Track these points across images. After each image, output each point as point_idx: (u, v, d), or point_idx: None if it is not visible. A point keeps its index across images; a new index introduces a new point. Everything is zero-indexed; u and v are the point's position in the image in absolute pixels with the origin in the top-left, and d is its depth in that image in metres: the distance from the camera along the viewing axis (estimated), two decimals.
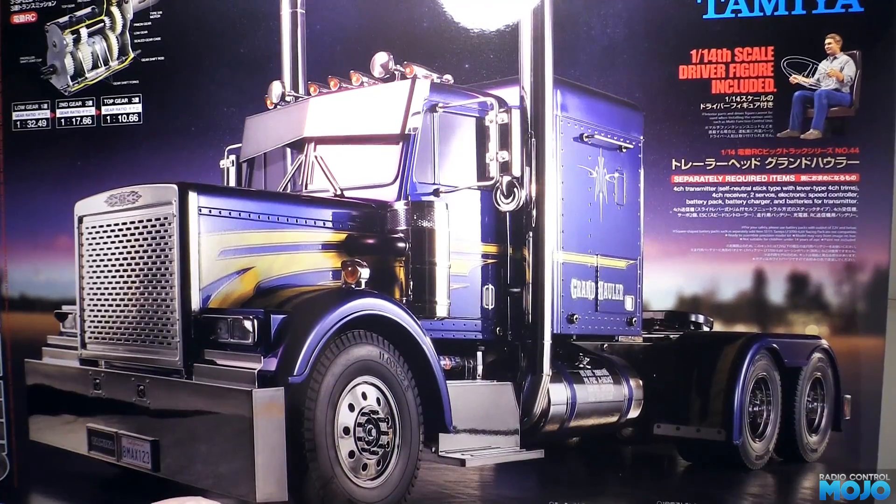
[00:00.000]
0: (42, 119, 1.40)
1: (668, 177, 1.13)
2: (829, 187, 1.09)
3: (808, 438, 1.12)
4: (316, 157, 1.26)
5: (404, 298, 1.22)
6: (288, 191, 1.28)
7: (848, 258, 1.07)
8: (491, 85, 1.19)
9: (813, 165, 1.09)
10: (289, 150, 1.29)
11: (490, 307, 1.20)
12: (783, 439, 1.13)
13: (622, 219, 1.14)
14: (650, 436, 1.13)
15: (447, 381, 1.24)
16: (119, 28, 1.36)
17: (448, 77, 1.18)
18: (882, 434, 1.06)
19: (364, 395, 1.22)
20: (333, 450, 1.20)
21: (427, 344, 1.21)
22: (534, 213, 1.18)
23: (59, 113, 1.39)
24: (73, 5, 1.36)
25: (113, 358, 1.36)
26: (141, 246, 1.26)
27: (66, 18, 1.37)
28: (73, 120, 1.38)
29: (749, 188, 1.11)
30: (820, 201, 1.09)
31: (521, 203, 1.18)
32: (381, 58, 1.21)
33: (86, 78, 1.36)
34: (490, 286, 1.20)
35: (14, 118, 1.41)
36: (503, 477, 1.19)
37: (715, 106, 1.11)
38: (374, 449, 1.21)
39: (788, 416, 1.12)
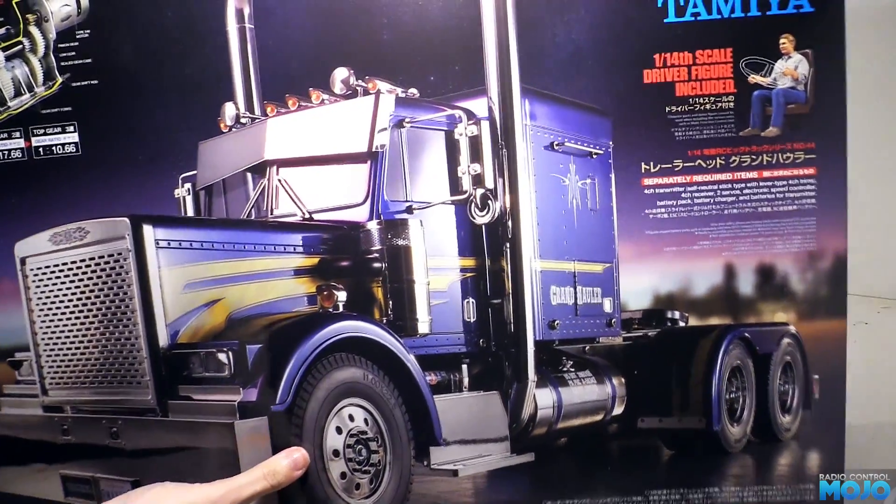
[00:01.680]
0: None
1: (639, 180, 1.10)
2: (790, 181, 1.08)
3: (782, 419, 1.14)
4: (279, 180, 1.14)
5: (384, 318, 1.14)
6: (252, 217, 1.16)
7: (809, 247, 1.07)
8: (458, 97, 1.11)
9: (773, 161, 1.07)
10: (249, 175, 1.16)
11: (472, 320, 1.15)
12: (759, 422, 1.14)
13: (596, 223, 1.10)
14: (635, 430, 1.11)
15: (435, 396, 1.18)
16: (41, 50, 1.17)
17: (413, 91, 1.09)
18: (882, 435, 1.08)
19: (351, 417, 1.15)
20: (324, 473, 1.14)
21: (411, 361, 1.14)
22: (509, 223, 1.12)
23: None
24: None
25: (79, 402, 1.23)
26: (95, 284, 1.13)
27: None
28: (2, 154, 1.19)
29: (715, 186, 1.09)
30: (781, 195, 1.08)
31: (496, 215, 1.12)
32: (341, 73, 1.10)
33: (8, 107, 1.17)
34: (470, 299, 1.14)
35: None
36: (496, 482, 1.15)
37: (680, 108, 1.07)
38: (366, 468, 1.15)
39: (762, 399, 1.13)
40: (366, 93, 1.10)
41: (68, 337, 1.21)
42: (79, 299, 1.19)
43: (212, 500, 0.89)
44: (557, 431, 1.17)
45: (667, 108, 1.09)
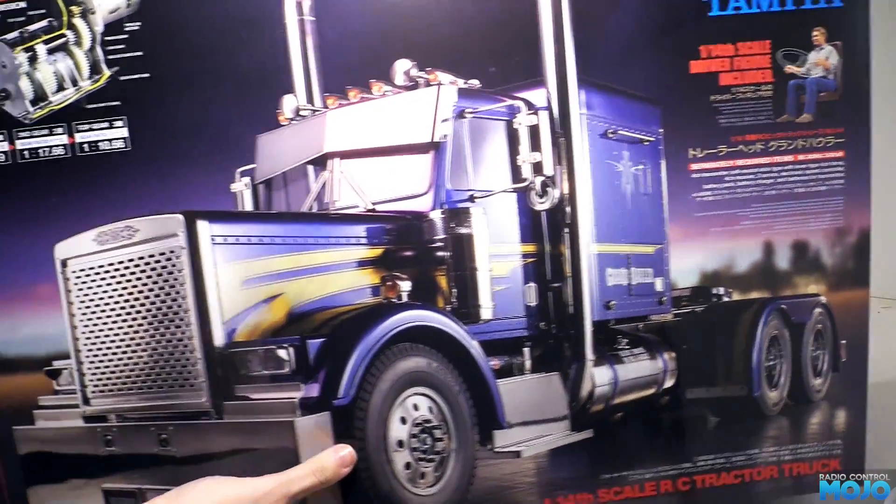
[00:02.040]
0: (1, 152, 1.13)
1: (686, 165, 1.15)
2: (821, 164, 1.16)
3: (814, 381, 1.22)
4: (341, 172, 1.13)
5: (448, 306, 1.15)
6: (314, 210, 1.15)
7: (837, 224, 1.16)
8: (518, 88, 1.13)
9: (807, 146, 1.15)
10: (310, 168, 1.15)
11: (533, 304, 1.17)
12: (793, 385, 1.22)
13: (648, 207, 1.15)
14: (684, 401, 1.17)
15: (498, 380, 1.19)
16: (87, 43, 1.12)
17: (474, 81, 1.10)
18: (883, 437, 1.17)
19: (416, 406, 1.15)
20: (388, 465, 1.13)
21: (475, 348, 1.16)
22: (568, 209, 1.16)
23: (19, 144, 1.13)
24: (22, 18, 1.10)
25: (124, 410, 1.17)
26: (145, 285, 1.09)
27: (15, 34, 1.10)
28: (41, 151, 1.13)
29: (755, 170, 1.16)
30: (814, 177, 1.17)
31: (555, 201, 1.15)
32: (402, 65, 1.11)
33: (50, 102, 1.12)
34: (532, 284, 1.17)
35: None
36: (556, 460, 1.19)
37: (723, 97, 1.13)
38: (431, 457, 1.16)
39: (797, 365, 1.21)
40: (427, 84, 1.11)
41: (114, 341, 1.16)
42: (126, 301, 1.14)
43: (261, 493, 0.89)
44: (613, 407, 1.22)
45: (711, 97, 1.15)
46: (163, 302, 1.14)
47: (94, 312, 1.18)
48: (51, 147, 1.14)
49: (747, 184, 1.19)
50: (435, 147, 1.09)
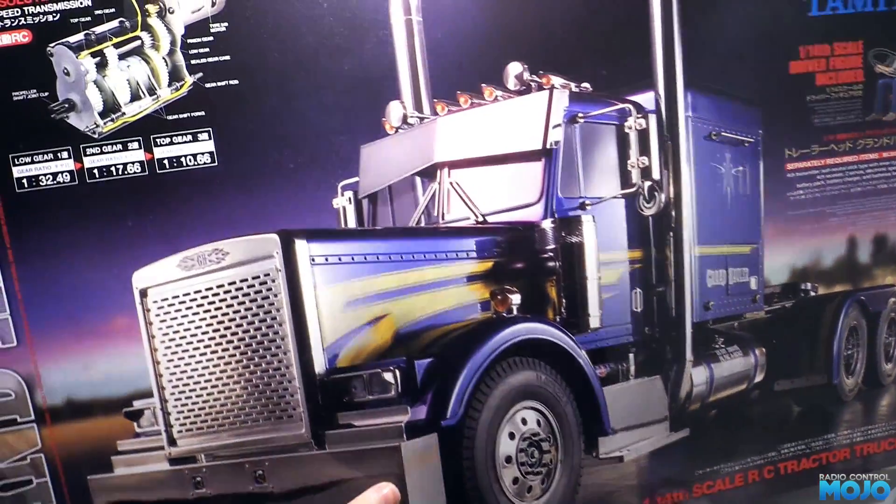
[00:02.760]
0: (63, 172, 0.98)
1: (783, 165, 1.14)
2: None
3: (885, 367, 1.26)
4: (451, 183, 1.05)
5: (558, 317, 1.10)
6: (422, 223, 1.06)
7: None
8: (627, 91, 1.08)
9: (892, 143, 1.16)
10: (418, 179, 1.06)
11: (639, 309, 1.15)
12: (867, 371, 1.25)
13: (746, 208, 1.14)
14: (772, 393, 1.18)
15: (603, 387, 1.16)
16: (165, 46, 0.98)
17: (586, 85, 1.04)
18: None
19: (524, 421, 1.11)
20: (497, 482, 1.09)
21: (583, 358, 1.12)
22: (673, 213, 1.13)
23: (88, 162, 0.98)
24: (88, 19, 0.94)
25: (215, 448, 1.07)
26: (237, 312, 0.99)
27: (79, 37, 0.95)
28: (113, 169, 0.99)
29: (843, 168, 1.16)
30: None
31: (661, 205, 1.12)
32: (514, 68, 1.04)
33: (123, 114, 0.97)
34: (638, 290, 1.14)
35: (17, 175, 0.97)
36: (655, 460, 1.17)
37: (818, 97, 1.13)
38: (538, 469, 1.11)
39: (871, 351, 1.25)
40: (539, 88, 1.04)
41: (202, 374, 1.05)
42: (216, 330, 1.03)
43: None
44: (709, 404, 1.21)
45: (808, 97, 1.14)
46: (257, 329, 1.04)
47: (178, 345, 1.05)
48: (125, 164, 0.99)
49: (836, 181, 1.19)
50: (546, 154, 1.03)
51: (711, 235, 1.15)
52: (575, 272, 1.12)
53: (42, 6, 0.94)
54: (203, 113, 1.00)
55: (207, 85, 0.99)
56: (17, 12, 0.93)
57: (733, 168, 1.15)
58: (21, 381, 1.01)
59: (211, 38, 0.98)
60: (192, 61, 0.98)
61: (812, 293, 1.23)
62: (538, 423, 1.13)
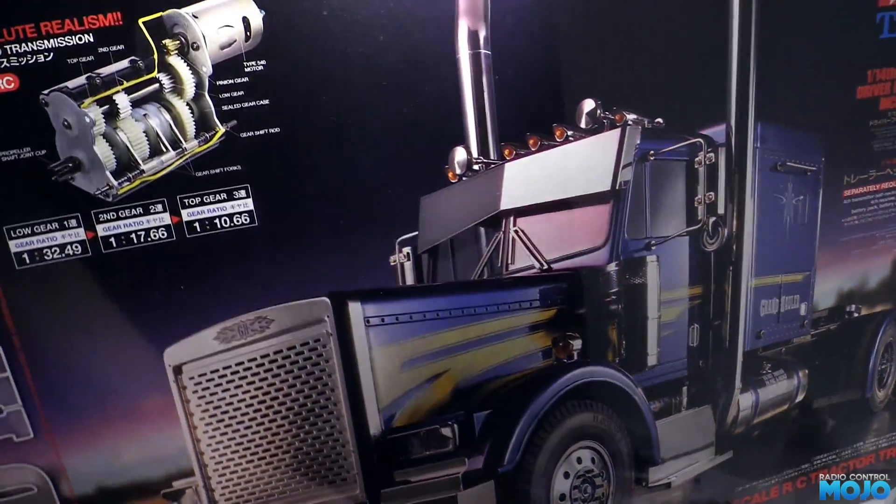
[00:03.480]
0: (72, 243, 0.81)
1: (841, 192, 1.09)
2: None
3: None
4: (516, 231, 0.95)
5: (617, 358, 1.05)
6: (485, 276, 0.96)
7: None
8: (699, 125, 0.99)
9: None
10: (482, 230, 0.94)
11: (695, 345, 1.10)
12: None
13: (802, 236, 1.09)
14: (811, 411, 1.18)
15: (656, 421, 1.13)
16: (189, 90, 0.80)
17: (659, 120, 0.95)
18: None
19: (579, 460, 1.07)
20: None
21: (640, 396, 1.08)
22: (734, 247, 1.06)
23: (102, 230, 0.81)
24: (90, 58, 0.75)
25: None
26: (284, 381, 0.89)
27: (81, 81, 0.76)
28: (133, 236, 0.82)
29: (894, 191, 1.13)
30: None
31: (724, 240, 1.05)
32: (587, 105, 0.92)
33: (141, 172, 0.80)
34: (695, 325, 1.09)
35: (15, 250, 0.79)
36: (699, 482, 1.16)
37: (880, 122, 1.07)
38: (590, 503, 1.09)
39: None
40: (612, 126, 0.93)
41: (248, 447, 0.95)
42: (261, 401, 0.93)
43: None
44: (753, 426, 1.20)
45: (871, 122, 1.08)
46: (307, 396, 0.94)
47: (220, 420, 0.94)
48: (147, 230, 0.83)
49: (888, 205, 1.15)
50: (615, 195, 0.93)
51: (768, 266, 1.10)
52: (637, 313, 1.06)
53: (29, 44, 0.74)
54: (239, 167, 0.83)
55: (243, 134, 0.82)
56: None
57: (794, 198, 1.09)
58: (43, 475, 0.87)
59: (246, 79, 0.80)
60: (224, 107, 0.81)
61: (856, 314, 1.21)
62: (592, 460, 1.11)
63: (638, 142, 0.96)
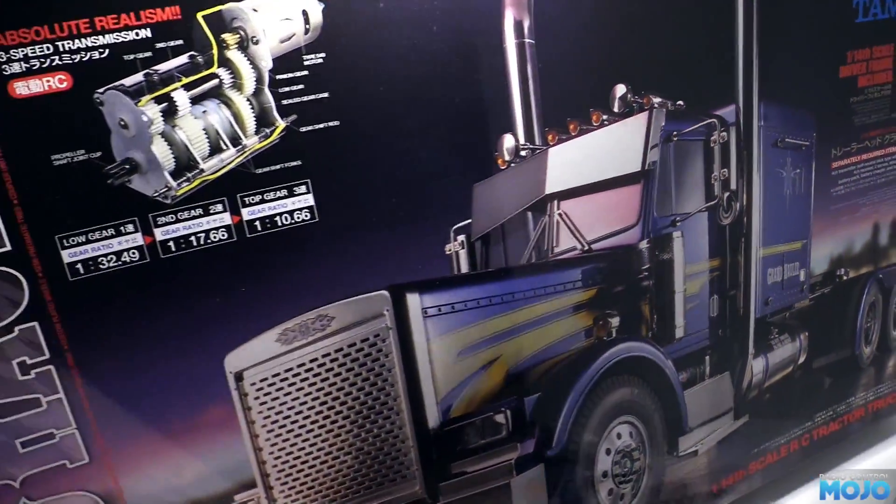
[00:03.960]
0: (130, 249, 0.76)
1: (829, 164, 1.19)
2: None
3: (893, 333, 1.40)
4: (560, 214, 0.97)
5: (650, 332, 1.09)
6: (533, 259, 0.98)
7: None
8: (712, 106, 1.06)
9: None
10: (529, 214, 0.96)
11: (715, 315, 1.16)
12: (880, 339, 1.38)
13: (800, 207, 1.18)
14: (811, 370, 1.28)
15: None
16: (249, 85, 0.78)
17: (680, 103, 1.01)
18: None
19: (619, 435, 1.11)
20: (594, 498, 1.10)
21: (669, 368, 1.13)
22: (745, 220, 1.14)
23: (160, 234, 0.77)
24: (148, 54, 0.72)
25: None
26: (344, 379, 0.90)
27: (138, 78, 0.72)
28: (193, 239, 0.79)
29: (873, 162, 1.24)
30: None
31: (737, 214, 1.12)
32: (619, 90, 0.97)
33: (201, 171, 0.77)
34: (715, 296, 1.15)
35: (68, 261, 0.74)
36: (720, 448, 1.23)
37: (858, 98, 1.18)
38: (629, 478, 1.14)
39: (885, 322, 1.37)
40: (641, 109, 0.98)
41: (310, 452, 0.93)
42: (322, 402, 0.91)
43: None
44: (764, 390, 1.28)
45: (851, 99, 1.18)
46: (367, 394, 0.93)
47: (282, 425, 0.91)
48: (207, 232, 0.80)
49: (866, 175, 1.26)
50: (645, 175, 0.98)
51: (773, 236, 1.18)
52: (665, 288, 1.10)
53: (83, 40, 0.70)
54: (299, 162, 0.82)
55: (302, 129, 0.81)
56: (48, 49, 0.69)
57: (793, 171, 1.17)
58: (99, 501, 0.81)
59: (305, 73, 0.79)
60: (283, 101, 0.79)
61: (845, 278, 1.31)
62: (630, 434, 1.14)
63: (663, 124, 1.01)
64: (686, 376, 1.20)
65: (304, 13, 0.77)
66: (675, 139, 1.03)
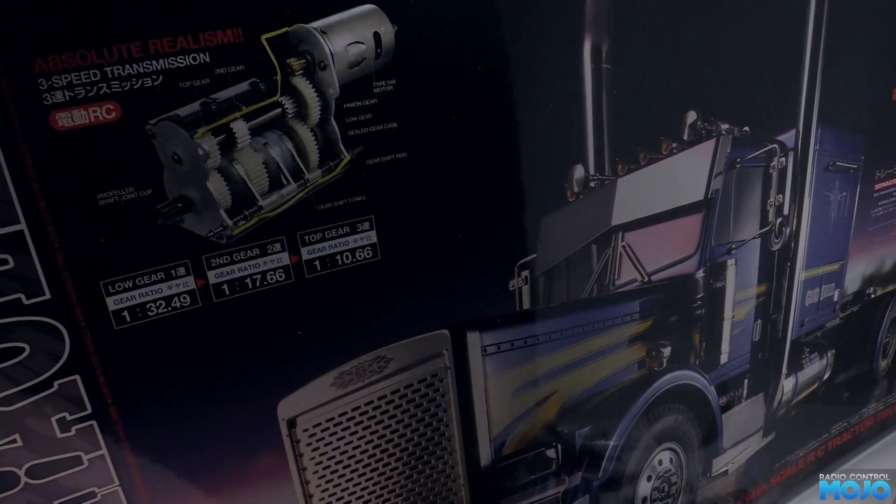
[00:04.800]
0: (181, 294, 0.68)
1: (872, 186, 1.16)
2: None
3: None
4: (623, 246, 0.92)
5: (697, 360, 1.06)
6: (594, 293, 0.92)
7: None
8: (774, 131, 1.00)
9: None
10: (593, 247, 0.90)
11: (757, 339, 1.13)
12: None
13: (841, 229, 1.15)
14: (834, 386, 1.27)
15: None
16: (315, 115, 0.69)
17: (746, 129, 0.95)
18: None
19: (660, 462, 1.09)
20: None
21: (712, 394, 1.11)
22: (792, 245, 1.10)
23: (214, 276, 0.69)
24: (206, 81, 0.62)
25: None
26: (399, 421, 0.85)
27: (194, 107, 0.63)
28: (248, 281, 0.71)
29: None
30: None
31: (787, 239, 1.09)
32: (690, 117, 0.90)
33: (259, 208, 0.69)
34: (759, 321, 1.12)
35: (113, 308, 0.65)
36: (748, 464, 1.22)
37: None
38: (666, 501, 1.12)
39: None
40: (709, 136, 0.92)
41: (360, 496, 0.87)
42: (376, 446, 0.86)
43: None
44: (792, 407, 1.27)
45: None
46: (421, 435, 0.87)
47: (334, 471, 0.85)
48: (264, 273, 0.71)
49: None
50: (707, 204, 0.93)
51: (816, 259, 1.15)
52: (715, 315, 1.07)
53: (134, 66, 0.60)
54: (363, 197, 0.73)
55: (368, 161, 0.72)
56: (96, 76, 0.59)
57: (839, 194, 1.14)
58: None
59: (374, 101, 0.70)
60: (349, 132, 0.71)
61: (873, 296, 1.30)
62: (671, 460, 1.12)
63: (728, 150, 0.95)
64: (725, 400, 1.17)
65: (376, 35, 0.68)
66: (738, 166, 0.98)
